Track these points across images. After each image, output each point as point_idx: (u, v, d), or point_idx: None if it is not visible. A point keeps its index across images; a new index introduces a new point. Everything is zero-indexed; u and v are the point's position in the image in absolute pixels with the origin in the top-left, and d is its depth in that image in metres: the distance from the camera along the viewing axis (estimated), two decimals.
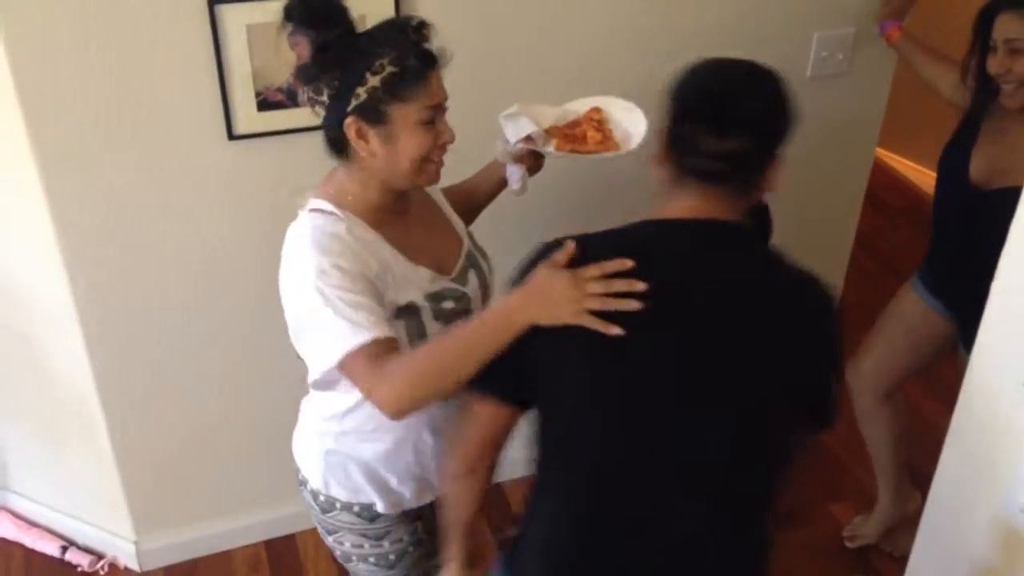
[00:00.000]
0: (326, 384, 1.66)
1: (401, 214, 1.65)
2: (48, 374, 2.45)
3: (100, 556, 2.67)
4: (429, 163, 1.57)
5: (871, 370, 2.55)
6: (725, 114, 1.38)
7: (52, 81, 1.97)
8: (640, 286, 1.31)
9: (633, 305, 1.30)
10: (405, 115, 1.50)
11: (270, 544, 2.72)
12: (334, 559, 1.90)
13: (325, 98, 1.50)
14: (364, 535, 1.79)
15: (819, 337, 1.44)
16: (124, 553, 2.65)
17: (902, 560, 1.81)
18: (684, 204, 1.41)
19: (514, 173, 1.77)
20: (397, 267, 1.59)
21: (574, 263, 1.37)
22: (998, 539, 1.41)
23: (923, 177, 4.45)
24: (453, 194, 1.84)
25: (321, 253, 1.51)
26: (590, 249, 1.38)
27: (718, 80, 1.44)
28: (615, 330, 1.31)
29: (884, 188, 4.29)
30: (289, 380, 1.84)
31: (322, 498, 1.78)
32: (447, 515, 1.61)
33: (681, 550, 1.42)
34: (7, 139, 2.03)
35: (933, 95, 2.37)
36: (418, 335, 1.60)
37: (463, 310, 1.66)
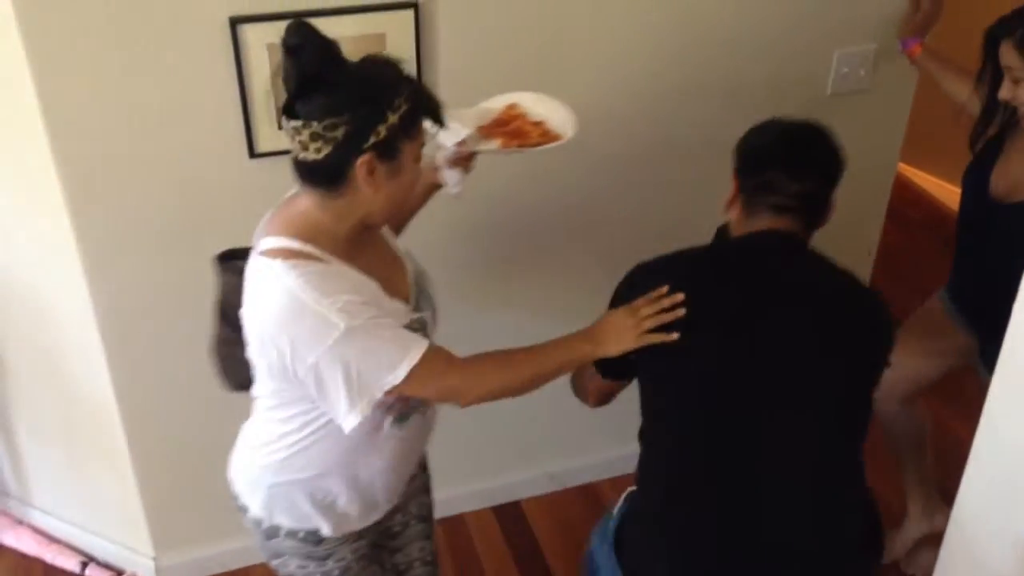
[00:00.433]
0: (281, 408, 1.65)
1: (366, 245, 1.64)
2: (70, 389, 2.46)
3: (120, 572, 2.67)
4: (408, 201, 1.63)
5: (891, 374, 2.54)
6: (798, 161, 1.76)
7: (75, 99, 1.99)
8: (680, 297, 1.66)
9: (679, 313, 1.66)
10: (411, 150, 1.53)
11: None
12: None
13: (339, 135, 1.46)
14: (309, 557, 1.79)
15: (873, 327, 1.77)
16: (144, 569, 2.66)
17: None
18: (759, 226, 1.77)
19: (452, 177, 1.79)
20: (383, 303, 1.58)
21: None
22: (1021, 560, 1.40)
23: (945, 192, 4.42)
24: None
25: (328, 296, 1.48)
26: (659, 271, 1.77)
27: (788, 134, 1.82)
28: (673, 336, 1.66)
29: (906, 203, 4.26)
30: None
31: (265, 525, 1.77)
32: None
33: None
34: (32, 156, 2.05)
35: (952, 110, 2.36)
36: None
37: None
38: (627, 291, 1.79)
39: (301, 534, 1.76)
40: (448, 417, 2.66)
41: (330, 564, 1.81)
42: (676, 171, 2.54)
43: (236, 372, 1.77)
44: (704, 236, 2.14)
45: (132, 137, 2.06)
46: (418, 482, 1.99)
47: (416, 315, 1.66)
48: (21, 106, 1.99)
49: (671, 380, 1.74)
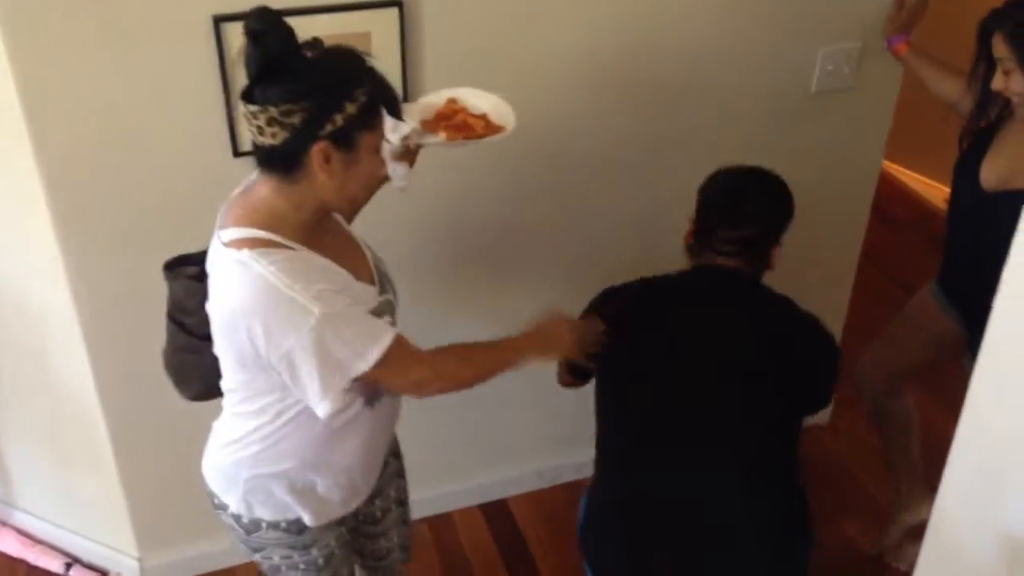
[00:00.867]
0: (252, 400, 1.66)
1: (326, 232, 1.66)
2: (54, 391, 2.45)
3: (104, 573, 2.66)
4: (367, 191, 1.65)
5: (877, 361, 2.60)
6: (736, 213, 1.95)
7: (57, 98, 1.98)
8: (601, 331, 1.95)
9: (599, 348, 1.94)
10: (369, 143, 1.56)
11: None
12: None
13: (295, 121, 1.47)
14: (292, 547, 1.81)
15: (806, 360, 1.96)
16: (128, 570, 2.65)
17: (909, 574, 1.80)
18: (706, 261, 1.99)
19: (398, 170, 1.78)
20: (353, 287, 1.61)
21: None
22: (1004, 550, 1.40)
23: (929, 189, 4.44)
24: None
25: (301, 283, 1.49)
26: (626, 297, 2.06)
27: (730, 185, 2.00)
28: (591, 365, 2.00)
29: (890, 200, 4.28)
30: None
31: (246, 520, 1.77)
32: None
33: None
34: (13, 155, 2.04)
35: (939, 107, 2.38)
36: None
37: (393, 322, 1.69)
38: (599, 308, 2.07)
39: (283, 524, 1.77)
40: (435, 416, 2.67)
41: (314, 552, 1.82)
42: (658, 170, 2.54)
43: (192, 380, 1.81)
44: (678, 235, 2.15)
45: (115, 136, 2.05)
46: (392, 467, 2.01)
47: (383, 297, 1.69)
48: (2, 105, 1.97)
49: (616, 398, 2.02)
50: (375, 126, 1.55)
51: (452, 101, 1.94)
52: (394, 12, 2.08)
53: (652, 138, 2.49)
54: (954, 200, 2.34)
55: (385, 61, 1.76)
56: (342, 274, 1.60)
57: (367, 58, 1.55)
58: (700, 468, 1.90)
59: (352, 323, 1.54)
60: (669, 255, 2.10)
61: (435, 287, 2.50)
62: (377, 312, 1.63)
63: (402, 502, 2.07)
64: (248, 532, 1.79)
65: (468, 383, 1.75)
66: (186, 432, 2.44)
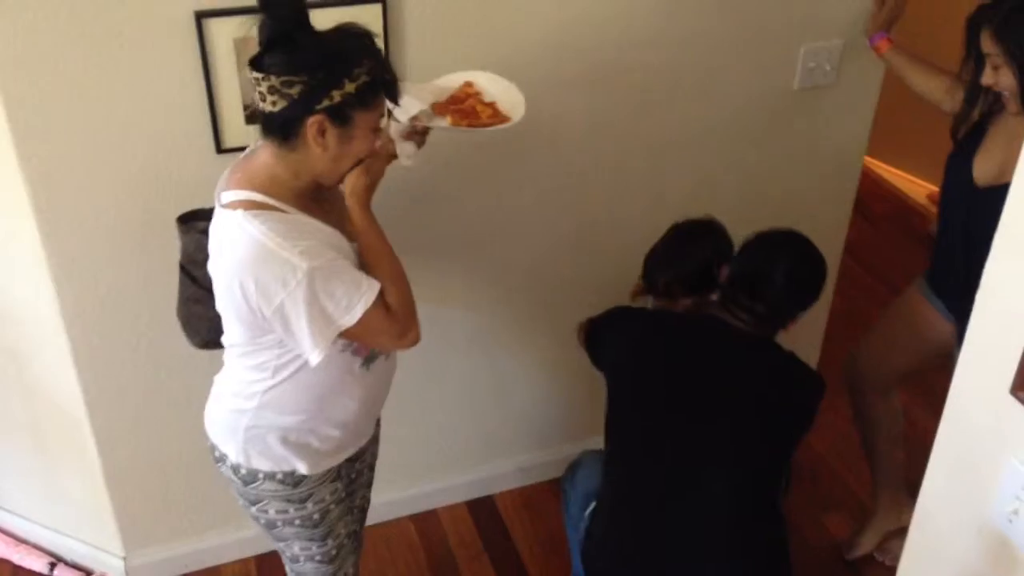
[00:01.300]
0: (252, 355, 1.72)
1: (323, 200, 1.72)
2: (37, 390, 2.43)
3: (89, 572, 2.65)
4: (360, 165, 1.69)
5: (869, 363, 2.59)
6: (758, 288, 2.01)
7: (39, 97, 1.96)
8: None
9: None
10: (366, 121, 1.62)
11: (260, 559, 2.71)
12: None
13: (294, 92, 1.54)
14: (288, 500, 1.85)
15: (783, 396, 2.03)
16: (113, 569, 2.63)
17: (893, 569, 1.81)
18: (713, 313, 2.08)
19: (406, 149, 1.84)
20: (343, 246, 1.68)
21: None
22: (986, 547, 1.41)
23: (910, 185, 4.46)
24: None
25: (290, 240, 1.57)
26: (632, 319, 2.19)
27: (763, 258, 2.06)
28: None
29: (873, 197, 4.30)
30: None
31: (244, 471, 1.83)
32: None
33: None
34: None
35: (920, 104, 2.39)
36: None
37: None
38: (605, 322, 2.18)
39: (279, 476, 1.82)
40: (421, 412, 2.67)
41: (309, 507, 1.87)
42: (640, 168, 2.55)
43: (200, 329, 1.91)
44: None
45: (97, 134, 2.04)
46: (374, 432, 2.06)
47: None
48: None
49: (623, 422, 2.11)
50: (373, 106, 1.61)
51: (468, 84, 1.97)
52: (377, 8, 2.07)
53: (632, 136, 2.49)
54: (945, 195, 2.34)
55: None
56: (334, 233, 1.67)
57: (375, 38, 1.61)
58: (695, 486, 1.98)
59: (339, 276, 1.61)
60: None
61: (425, 280, 2.48)
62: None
63: (372, 466, 2.13)
64: (245, 483, 1.84)
65: (402, 278, 1.74)
66: (170, 431, 2.44)
